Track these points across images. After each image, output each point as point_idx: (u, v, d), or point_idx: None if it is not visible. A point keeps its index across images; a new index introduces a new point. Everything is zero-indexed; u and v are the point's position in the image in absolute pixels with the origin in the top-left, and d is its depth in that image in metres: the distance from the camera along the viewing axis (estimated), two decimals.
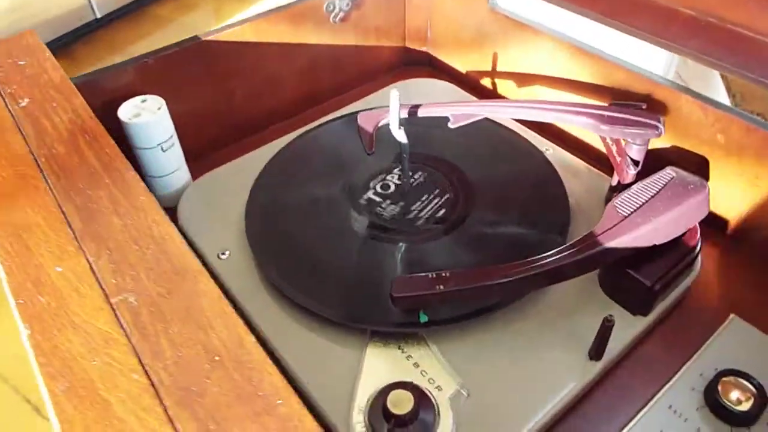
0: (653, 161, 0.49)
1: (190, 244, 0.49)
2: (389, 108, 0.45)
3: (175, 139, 0.53)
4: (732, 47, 0.45)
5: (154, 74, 0.53)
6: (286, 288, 0.44)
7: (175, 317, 0.25)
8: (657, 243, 0.42)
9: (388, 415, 0.37)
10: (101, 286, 0.26)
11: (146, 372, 0.23)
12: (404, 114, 0.48)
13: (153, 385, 0.22)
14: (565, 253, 0.40)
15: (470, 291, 0.40)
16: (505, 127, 0.58)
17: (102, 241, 0.28)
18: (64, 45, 1.91)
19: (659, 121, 0.45)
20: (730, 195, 0.49)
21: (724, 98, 0.96)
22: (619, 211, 0.43)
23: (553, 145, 0.57)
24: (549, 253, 0.40)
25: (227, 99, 0.60)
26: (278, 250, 0.47)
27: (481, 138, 0.57)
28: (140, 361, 0.23)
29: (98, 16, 1.98)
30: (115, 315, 0.25)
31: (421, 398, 0.38)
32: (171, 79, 0.55)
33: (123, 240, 0.28)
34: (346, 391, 0.39)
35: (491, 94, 0.67)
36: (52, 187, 0.31)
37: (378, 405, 0.38)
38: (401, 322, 0.42)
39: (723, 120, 0.47)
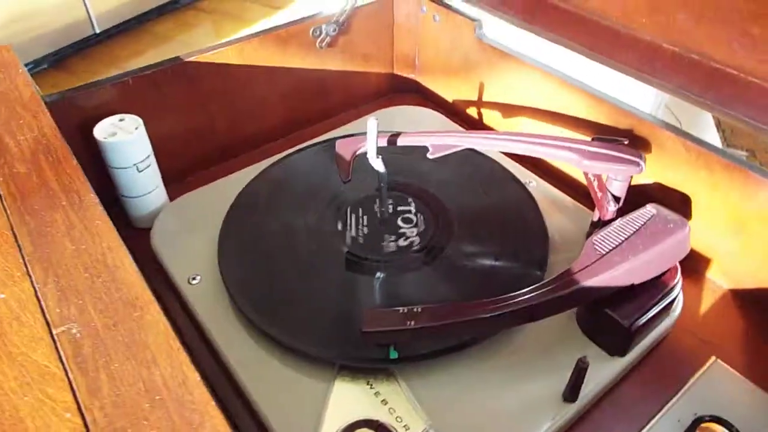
0: (635, 197, 0.48)
1: (162, 267, 0.49)
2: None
3: (152, 160, 0.52)
4: (715, 85, 0.45)
5: (133, 94, 0.53)
6: (254, 316, 0.43)
7: (118, 351, 0.24)
8: (635, 282, 0.41)
9: None
10: (44, 315, 0.25)
11: (81, 411, 0.21)
12: (383, 142, 0.47)
13: (86, 425, 0.21)
14: (540, 291, 0.39)
15: (442, 328, 0.39)
16: (489, 158, 0.57)
17: (51, 267, 0.27)
18: (62, 58, 1.92)
19: (641, 158, 0.44)
20: (713, 234, 0.48)
21: (713, 134, 0.96)
22: (598, 248, 0.42)
23: (537, 178, 0.56)
24: (524, 290, 0.39)
25: (209, 121, 0.60)
26: (249, 278, 0.46)
27: (463, 168, 0.56)
28: (76, 398, 0.22)
29: (97, 30, 1.99)
30: (55, 347, 0.24)
31: None
32: (151, 99, 0.54)
33: (73, 266, 0.27)
34: (310, 426, 0.38)
35: (477, 123, 0.66)
36: (7, 208, 0.30)
37: None
38: (370, 358, 0.40)
39: (705, 157, 0.46)
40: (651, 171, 0.50)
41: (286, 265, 0.47)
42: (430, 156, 0.46)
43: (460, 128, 0.64)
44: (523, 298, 0.39)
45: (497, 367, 0.41)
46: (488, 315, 0.38)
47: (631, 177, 0.47)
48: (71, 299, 0.25)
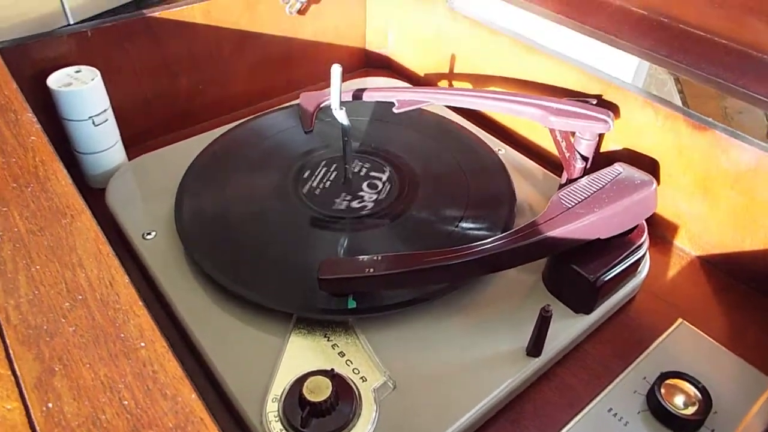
0: (605, 163, 0.48)
1: (116, 223, 0.47)
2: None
3: (110, 115, 0.50)
4: (683, 46, 0.45)
5: (93, 48, 0.51)
6: (209, 268, 0.41)
7: (41, 254, 0.22)
8: (601, 237, 0.40)
9: (303, 403, 0.33)
10: None
11: None
12: (348, 97, 0.46)
13: None
14: (504, 240, 0.38)
15: (403, 276, 0.37)
16: (460, 126, 0.56)
17: None
18: None
19: (608, 116, 0.44)
20: (680, 198, 0.48)
21: (677, 101, 0.97)
22: (563, 202, 0.41)
23: (506, 146, 0.56)
24: (488, 240, 0.38)
25: (172, 84, 0.58)
26: (206, 232, 0.44)
27: (432, 134, 0.55)
28: None
29: (71, 22, 1.95)
30: None
31: (341, 386, 0.35)
32: (112, 55, 0.53)
33: (0, 177, 0.25)
34: (263, 380, 0.36)
35: None
36: None
37: (294, 393, 0.34)
38: (328, 308, 0.39)
39: (673, 119, 0.46)
40: (619, 136, 0.50)
41: (244, 220, 0.45)
42: (396, 110, 0.45)
43: None
44: (486, 246, 0.38)
45: (459, 323, 0.40)
46: (451, 263, 0.37)
47: (600, 138, 0.46)
48: None
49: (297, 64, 0.66)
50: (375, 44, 0.72)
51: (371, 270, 0.37)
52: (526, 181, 0.52)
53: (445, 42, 0.63)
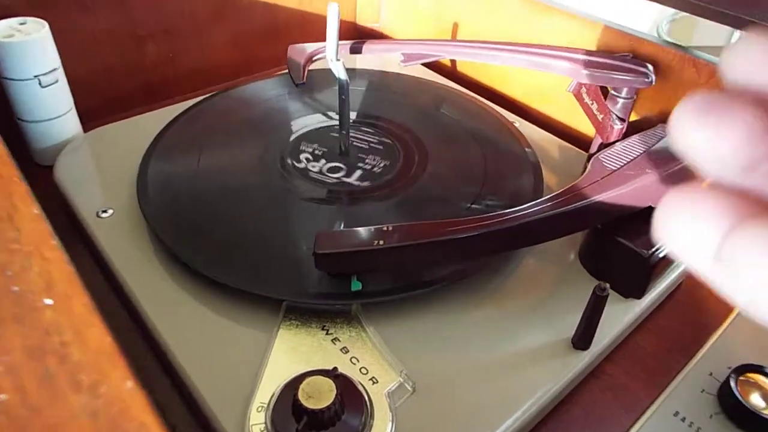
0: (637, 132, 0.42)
1: (66, 203, 0.39)
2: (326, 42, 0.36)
3: (61, 76, 0.42)
4: None
5: (47, 1, 0.43)
6: (177, 247, 0.33)
7: None
8: (654, 204, 0.34)
9: (299, 411, 0.26)
10: None
11: None
12: (345, 51, 0.39)
13: None
14: (544, 206, 0.31)
15: (419, 250, 0.30)
16: (470, 96, 0.50)
17: None
18: None
19: (648, 68, 0.38)
20: None
21: None
22: (606, 164, 0.34)
23: (520, 119, 0.49)
24: (523, 206, 0.31)
25: (139, 53, 0.50)
26: (174, 206, 0.36)
27: (438, 105, 0.48)
28: None
29: None
30: None
31: (347, 390, 0.27)
32: (68, 10, 0.45)
33: None
34: (246, 385, 0.28)
35: (451, 72, 0.59)
36: None
37: (286, 400, 0.27)
38: (326, 293, 0.31)
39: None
40: (655, 99, 0.44)
41: (220, 192, 0.38)
42: (402, 63, 0.38)
43: (429, 71, 0.56)
44: (519, 214, 0.31)
45: (487, 310, 0.33)
46: (479, 232, 0.30)
47: (635, 98, 0.40)
48: None
49: (281, 36, 0.59)
50: (366, 18, 0.65)
51: (380, 242, 0.29)
52: (547, 155, 0.45)
53: (444, 10, 0.57)
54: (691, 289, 0.38)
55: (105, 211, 0.37)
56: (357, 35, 0.66)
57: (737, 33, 0.94)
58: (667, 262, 0.34)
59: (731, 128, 0.11)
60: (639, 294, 0.34)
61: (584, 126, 0.49)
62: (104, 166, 0.42)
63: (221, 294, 0.32)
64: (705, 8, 0.40)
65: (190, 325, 0.31)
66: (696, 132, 0.11)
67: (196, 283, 0.33)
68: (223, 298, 0.32)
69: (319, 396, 0.26)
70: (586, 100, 0.40)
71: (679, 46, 0.42)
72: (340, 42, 0.38)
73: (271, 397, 0.27)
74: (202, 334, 0.31)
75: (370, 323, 0.31)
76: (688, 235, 0.11)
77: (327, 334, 0.31)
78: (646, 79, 0.37)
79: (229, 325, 0.31)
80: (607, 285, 0.29)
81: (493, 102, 0.50)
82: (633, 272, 0.33)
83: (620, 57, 0.38)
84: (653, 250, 0.33)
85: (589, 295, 0.29)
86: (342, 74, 0.36)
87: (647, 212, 0.33)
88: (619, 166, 0.34)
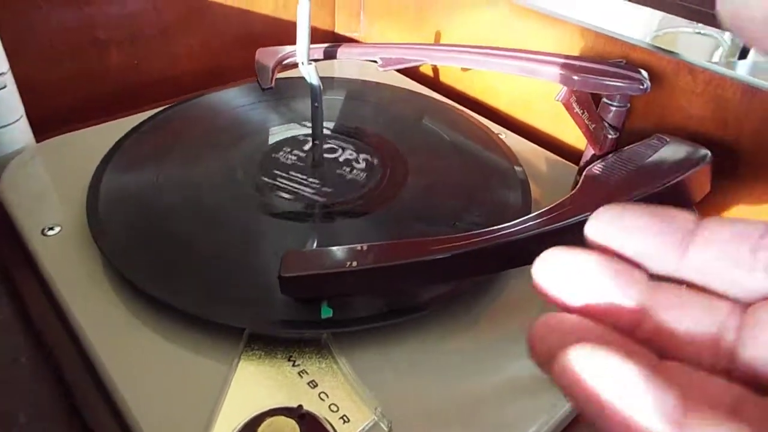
0: (630, 143, 0.39)
1: (9, 218, 0.35)
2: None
3: (10, 81, 0.39)
4: None
5: None
6: (126, 268, 0.30)
7: None
8: None
9: None
10: None
11: None
12: (319, 54, 0.36)
13: None
14: (530, 224, 0.28)
15: (396, 271, 0.27)
16: (452, 107, 0.47)
17: None
18: None
19: (642, 74, 0.35)
20: (728, 180, 0.39)
21: None
22: (600, 177, 0.32)
23: (507, 131, 0.47)
24: (513, 223, 0.29)
25: (100, 56, 0.47)
26: (126, 227, 0.33)
27: (420, 116, 0.45)
28: None
29: None
30: None
31: (314, 431, 0.24)
32: (19, 9, 0.42)
33: None
34: (199, 424, 0.25)
35: (433, 82, 0.57)
36: None
37: None
38: (292, 321, 0.28)
39: (716, 83, 0.37)
40: (650, 108, 0.41)
41: (177, 209, 0.35)
42: (380, 68, 0.35)
43: (410, 80, 0.54)
44: (505, 232, 0.28)
45: (472, 338, 0.30)
46: (459, 252, 0.27)
47: (628, 106, 0.37)
48: None
49: (256, 44, 0.55)
50: (345, 28, 0.63)
51: (354, 263, 0.26)
52: (534, 169, 0.43)
53: (426, 19, 0.55)
54: None
55: (51, 228, 0.34)
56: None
57: (720, 49, 0.94)
58: None
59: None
60: None
61: (572, 137, 0.46)
62: (56, 180, 0.38)
63: (176, 321, 0.29)
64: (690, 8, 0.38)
65: (138, 355, 0.28)
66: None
67: (147, 308, 0.29)
68: (178, 325, 0.29)
69: None
70: (577, 109, 0.38)
71: (673, 52, 0.40)
72: (314, 45, 0.36)
73: None
74: (152, 366, 0.27)
75: (341, 354, 0.28)
76: None
77: (294, 365, 0.28)
78: (641, 86, 0.35)
79: (183, 355, 0.28)
80: None
81: (477, 113, 0.48)
82: None
83: (613, 63, 0.36)
84: None
85: None
86: (314, 79, 0.33)
87: None
88: (613, 180, 0.31)
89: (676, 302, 0.14)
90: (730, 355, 0.13)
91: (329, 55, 0.36)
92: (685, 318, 0.14)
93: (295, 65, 0.35)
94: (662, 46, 0.41)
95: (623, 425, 0.11)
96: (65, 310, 0.30)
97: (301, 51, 0.32)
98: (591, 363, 0.12)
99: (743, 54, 0.86)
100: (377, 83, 0.49)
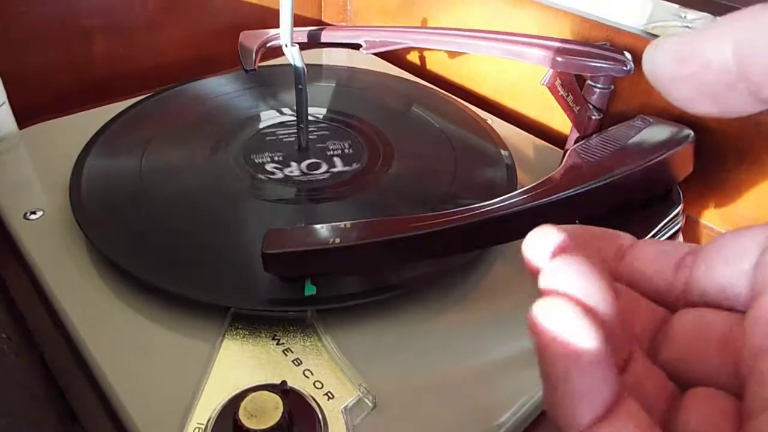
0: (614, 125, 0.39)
1: None
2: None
3: None
4: None
5: None
6: (108, 248, 0.30)
7: None
8: (636, 198, 0.31)
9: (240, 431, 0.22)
10: None
11: None
12: (303, 38, 0.36)
13: None
14: (515, 200, 0.29)
15: (380, 248, 0.27)
16: (439, 92, 0.47)
17: None
18: None
19: (625, 56, 0.35)
20: (710, 165, 0.39)
21: None
22: (584, 156, 0.32)
23: (494, 117, 0.47)
24: (499, 199, 0.29)
25: (84, 44, 0.47)
26: (109, 209, 0.33)
27: (407, 102, 0.45)
28: None
29: None
30: None
31: (297, 406, 0.24)
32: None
33: None
34: (182, 402, 0.25)
35: (420, 70, 0.56)
36: None
37: (227, 419, 0.23)
38: (276, 299, 0.28)
39: None
40: (634, 89, 0.42)
41: (161, 190, 0.34)
42: (364, 51, 0.35)
43: (397, 68, 0.54)
44: (490, 208, 0.28)
45: (458, 316, 0.30)
46: (444, 228, 0.27)
47: (612, 88, 0.37)
48: None
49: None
50: (332, 16, 0.63)
51: (337, 240, 0.26)
52: (521, 154, 0.43)
53: (413, 5, 0.55)
54: None
55: (33, 213, 0.33)
56: None
57: None
58: None
59: None
60: None
61: (558, 123, 0.46)
62: (40, 166, 0.38)
63: (160, 301, 0.29)
64: None
65: (122, 336, 0.27)
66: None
67: (131, 289, 0.29)
68: (162, 305, 0.28)
69: (263, 415, 0.23)
70: (561, 92, 0.38)
71: (657, 36, 0.40)
72: (299, 29, 0.35)
73: (210, 417, 0.24)
74: (136, 346, 0.27)
75: (326, 332, 0.28)
76: None
77: (278, 344, 0.27)
78: (625, 67, 0.35)
79: (168, 335, 0.28)
80: None
81: (464, 101, 0.48)
82: None
83: (597, 45, 0.36)
84: None
85: None
86: (298, 61, 0.33)
87: (626, 208, 0.31)
88: (596, 157, 0.31)
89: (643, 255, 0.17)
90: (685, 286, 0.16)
91: (313, 38, 0.36)
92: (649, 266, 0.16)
93: (279, 48, 0.34)
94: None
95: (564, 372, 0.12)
96: (48, 293, 0.29)
97: (285, 33, 0.32)
98: (554, 314, 0.12)
99: None
100: (366, 70, 0.49)
